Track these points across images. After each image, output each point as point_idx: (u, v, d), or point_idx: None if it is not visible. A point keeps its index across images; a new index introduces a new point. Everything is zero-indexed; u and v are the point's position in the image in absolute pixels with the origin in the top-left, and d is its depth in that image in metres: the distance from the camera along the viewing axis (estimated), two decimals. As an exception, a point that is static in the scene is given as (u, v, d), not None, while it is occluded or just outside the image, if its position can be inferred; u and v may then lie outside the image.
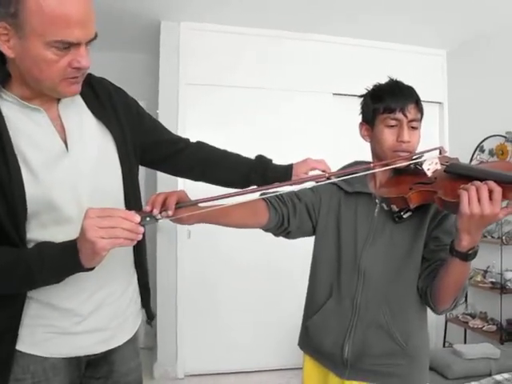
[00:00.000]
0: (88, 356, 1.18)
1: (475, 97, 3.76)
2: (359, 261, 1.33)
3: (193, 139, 1.50)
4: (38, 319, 1.10)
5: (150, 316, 1.40)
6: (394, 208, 1.25)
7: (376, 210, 1.35)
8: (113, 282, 1.19)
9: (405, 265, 1.30)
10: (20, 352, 1.08)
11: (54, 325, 1.11)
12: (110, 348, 1.21)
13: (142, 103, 1.40)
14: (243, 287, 3.63)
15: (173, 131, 1.46)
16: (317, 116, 3.79)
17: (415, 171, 1.25)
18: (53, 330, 1.11)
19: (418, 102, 1.34)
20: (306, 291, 1.49)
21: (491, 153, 3.51)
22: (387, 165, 1.26)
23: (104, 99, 1.21)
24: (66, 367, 1.14)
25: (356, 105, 1.46)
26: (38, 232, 1.05)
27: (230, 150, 1.50)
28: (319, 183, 1.22)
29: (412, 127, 1.31)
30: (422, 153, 1.25)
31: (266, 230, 1.40)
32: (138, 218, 0.92)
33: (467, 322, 3.41)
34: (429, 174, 1.21)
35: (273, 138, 3.62)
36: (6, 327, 1.06)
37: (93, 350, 1.17)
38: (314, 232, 1.46)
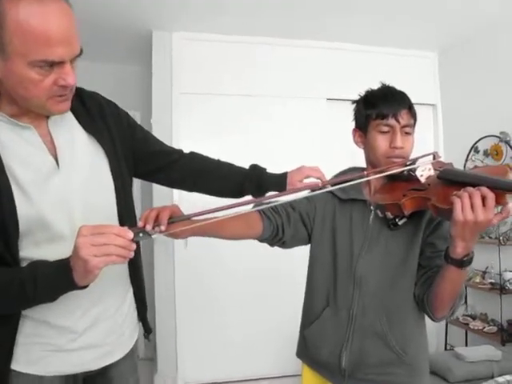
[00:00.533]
0: (85, 373, 1.17)
1: (468, 97, 3.76)
2: (355, 269, 1.33)
3: (187, 148, 1.50)
4: (34, 337, 1.08)
5: (147, 330, 1.39)
6: (389, 215, 1.25)
7: (371, 217, 1.35)
8: (108, 298, 1.18)
9: (401, 272, 1.29)
10: (15, 371, 1.07)
11: (49, 343, 1.10)
12: (106, 364, 1.19)
13: (135, 114, 1.40)
14: (242, 295, 3.61)
15: (167, 141, 1.46)
16: (311, 121, 3.79)
17: (409, 177, 1.24)
18: (48, 347, 1.10)
19: (410, 108, 1.33)
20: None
21: (486, 153, 3.51)
22: (381, 172, 1.26)
23: (95, 113, 1.21)
24: None
25: (350, 110, 1.46)
26: (31, 250, 1.04)
27: (224, 157, 1.50)
28: (315, 192, 1.21)
29: (405, 133, 1.31)
30: (416, 159, 1.25)
31: (261, 240, 1.39)
32: (130, 235, 0.92)
33: (468, 324, 3.39)
34: (422, 180, 1.20)
35: (267, 144, 3.62)
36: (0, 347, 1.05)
37: (89, 366, 1.16)
38: (309, 240, 1.45)
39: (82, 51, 1.00)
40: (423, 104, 3.92)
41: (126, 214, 1.22)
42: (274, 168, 1.49)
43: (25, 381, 1.08)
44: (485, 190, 1.00)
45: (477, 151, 3.58)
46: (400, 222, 1.27)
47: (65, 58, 0.95)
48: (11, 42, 0.90)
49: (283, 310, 3.53)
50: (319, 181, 1.35)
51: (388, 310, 1.29)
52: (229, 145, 3.55)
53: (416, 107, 1.37)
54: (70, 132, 1.14)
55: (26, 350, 1.08)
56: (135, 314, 1.33)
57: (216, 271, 3.59)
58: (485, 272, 3.42)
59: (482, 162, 3.51)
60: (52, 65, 0.95)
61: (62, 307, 1.07)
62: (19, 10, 0.89)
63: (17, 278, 0.95)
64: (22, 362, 1.08)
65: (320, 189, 1.20)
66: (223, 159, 1.50)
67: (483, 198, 0.99)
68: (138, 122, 1.40)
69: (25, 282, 0.94)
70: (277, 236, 1.38)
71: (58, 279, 0.94)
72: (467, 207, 1.00)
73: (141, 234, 0.98)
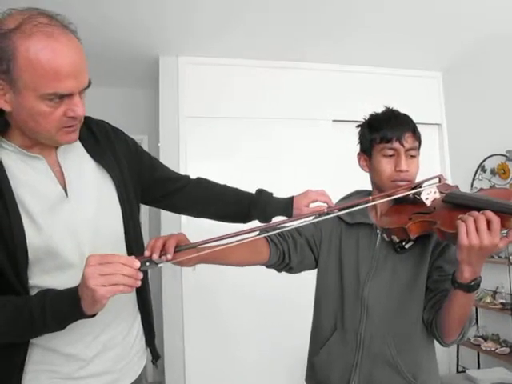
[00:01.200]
0: None
1: (474, 116, 3.77)
2: (362, 293, 1.32)
3: (194, 171, 1.51)
4: (42, 365, 1.08)
5: (155, 356, 1.38)
6: (395, 239, 1.24)
7: (377, 241, 1.34)
8: (116, 325, 1.18)
9: (409, 296, 1.28)
10: None
11: (57, 371, 1.09)
12: None
13: (143, 137, 1.42)
14: (250, 320, 3.58)
15: (174, 164, 1.48)
16: (317, 143, 3.80)
17: (414, 201, 1.24)
18: (56, 375, 1.09)
19: (414, 130, 1.33)
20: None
21: (493, 172, 3.50)
22: (387, 196, 1.26)
23: (103, 142, 1.22)
24: None
25: (356, 131, 1.46)
26: (40, 278, 1.04)
27: (231, 180, 1.51)
28: (321, 218, 1.21)
29: (410, 156, 1.31)
30: (422, 182, 1.25)
31: (268, 266, 1.40)
32: (137, 264, 0.93)
33: (479, 345, 3.34)
34: (428, 203, 1.20)
35: (274, 167, 3.64)
36: (9, 376, 1.05)
37: None
38: (316, 265, 1.45)
39: (90, 83, 1.02)
40: (428, 124, 3.95)
41: (133, 241, 1.22)
42: (280, 190, 1.50)
43: None
44: (490, 213, 0.99)
45: (483, 170, 3.57)
46: (407, 246, 1.26)
47: (74, 90, 0.97)
48: (21, 76, 0.92)
49: (292, 334, 3.48)
50: (325, 205, 1.35)
51: (396, 334, 1.27)
52: (235, 167, 3.58)
53: (421, 127, 1.37)
54: (78, 161, 1.15)
55: (35, 377, 1.07)
56: (143, 340, 1.32)
57: (224, 295, 3.56)
58: (495, 292, 3.38)
59: (489, 180, 3.50)
60: (61, 97, 0.96)
61: (69, 335, 1.07)
62: (29, 45, 0.91)
63: (25, 308, 0.95)
64: None
65: (327, 214, 1.20)
66: (230, 182, 1.51)
67: (488, 222, 0.99)
68: (146, 146, 1.42)
69: (33, 312, 0.94)
70: (283, 262, 1.38)
71: (67, 309, 0.94)
72: (472, 231, 0.99)
73: (147, 263, 0.99)
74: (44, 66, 0.92)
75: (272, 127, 3.73)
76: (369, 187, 1.47)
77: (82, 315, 0.95)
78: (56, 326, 0.98)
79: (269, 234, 1.31)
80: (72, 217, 1.09)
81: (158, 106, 3.62)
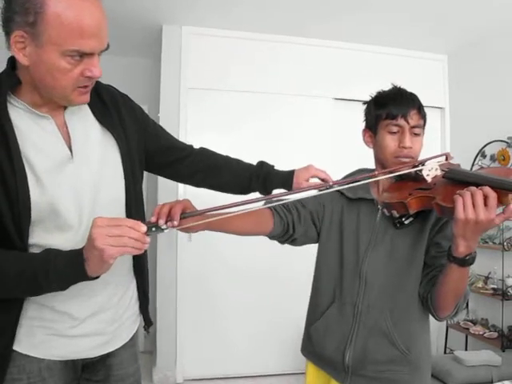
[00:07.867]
0: (84, 359, 1.19)
1: (477, 102, 3.75)
2: (361, 266, 1.34)
3: (194, 143, 1.52)
4: (36, 321, 1.11)
5: (148, 322, 1.40)
6: (395, 214, 1.25)
7: (378, 216, 1.35)
8: (111, 288, 1.20)
9: (406, 271, 1.30)
10: (16, 352, 1.10)
11: (50, 327, 1.12)
12: (105, 352, 1.22)
13: (143, 107, 1.42)
14: (244, 291, 3.62)
15: (174, 135, 1.48)
16: (317, 120, 3.79)
17: (416, 177, 1.25)
18: (49, 331, 1.12)
19: (420, 109, 1.34)
20: (307, 296, 1.49)
21: (493, 158, 3.50)
22: (389, 173, 1.27)
23: (110, 107, 1.23)
24: (61, 370, 1.15)
25: (357, 109, 1.46)
26: (40, 237, 1.06)
27: (231, 154, 1.51)
28: (322, 192, 1.22)
29: (414, 133, 1.32)
30: (427, 159, 1.25)
31: (272, 237, 1.41)
32: (144, 228, 0.95)
33: (468, 329, 3.39)
34: (428, 179, 1.21)
35: (274, 142, 3.64)
36: (3, 328, 1.08)
37: (88, 353, 1.19)
38: (317, 239, 1.47)
39: (108, 46, 1.05)
40: (431, 107, 3.92)
41: (134, 207, 1.24)
42: (279, 165, 1.50)
43: (26, 362, 1.10)
44: (487, 189, 1.00)
45: (483, 156, 3.57)
46: (406, 221, 1.28)
47: (95, 50, 1.01)
48: (47, 30, 0.94)
49: (286, 306, 3.55)
50: (325, 183, 1.36)
51: (393, 307, 1.30)
52: (235, 141, 3.57)
53: (425, 112, 1.37)
54: (84, 124, 1.16)
55: (29, 332, 1.10)
56: (137, 305, 1.34)
57: (218, 267, 3.60)
58: (487, 277, 3.42)
59: (489, 166, 3.50)
60: (82, 55, 0.99)
61: (66, 293, 1.07)
62: (58, 2, 0.94)
63: (30, 268, 0.97)
64: (24, 343, 1.10)
65: (330, 187, 1.21)
66: (230, 155, 1.51)
67: (485, 198, 1.00)
68: (146, 116, 1.42)
69: (37, 274, 0.96)
70: (287, 233, 1.40)
71: (71, 271, 0.97)
72: (469, 206, 1.00)
73: (153, 229, 1.01)
74: (71, 22, 0.95)
75: (273, 102, 3.71)
76: (367, 165, 1.48)
77: (86, 277, 0.98)
78: (58, 288, 1.01)
79: (273, 204, 1.32)
80: (75, 178, 1.10)
81: (159, 75, 3.59)
